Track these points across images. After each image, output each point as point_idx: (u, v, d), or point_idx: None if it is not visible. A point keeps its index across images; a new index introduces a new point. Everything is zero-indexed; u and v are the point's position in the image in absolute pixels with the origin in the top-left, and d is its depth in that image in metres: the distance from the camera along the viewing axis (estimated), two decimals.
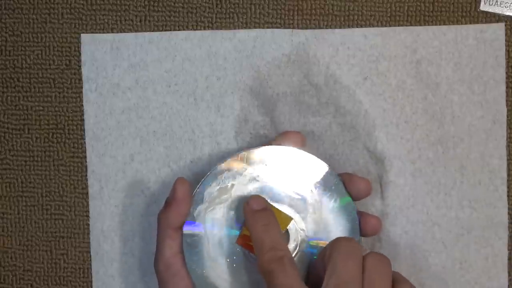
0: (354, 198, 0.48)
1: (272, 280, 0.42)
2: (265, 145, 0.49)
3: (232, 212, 0.48)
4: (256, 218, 0.45)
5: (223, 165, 0.48)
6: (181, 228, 0.47)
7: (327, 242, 0.45)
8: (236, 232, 0.48)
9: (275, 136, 0.50)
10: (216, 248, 0.47)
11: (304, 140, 0.50)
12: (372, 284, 0.41)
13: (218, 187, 0.48)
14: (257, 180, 0.48)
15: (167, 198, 0.47)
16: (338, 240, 0.44)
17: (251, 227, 0.45)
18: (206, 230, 0.48)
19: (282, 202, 0.48)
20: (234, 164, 0.48)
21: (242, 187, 0.48)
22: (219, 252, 0.47)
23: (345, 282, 0.41)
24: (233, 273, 0.47)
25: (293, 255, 0.47)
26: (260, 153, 0.48)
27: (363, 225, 0.48)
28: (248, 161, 0.48)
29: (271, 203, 0.48)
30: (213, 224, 0.48)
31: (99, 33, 0.54)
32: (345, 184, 0.48)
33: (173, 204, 0.47)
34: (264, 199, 0.47)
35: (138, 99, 0.53)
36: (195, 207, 0.48)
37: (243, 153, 0.48)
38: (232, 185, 0.48)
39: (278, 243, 0.44)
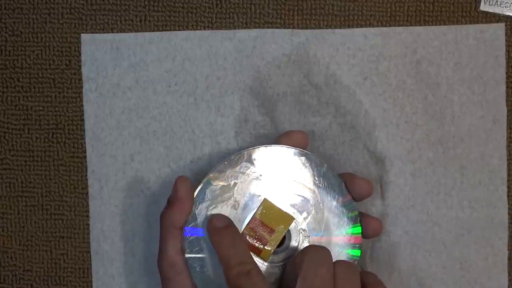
0: (356, 199, 0.48)
1: None
2: (268, 145, 0.49)
3: (234, 211, 0.48)
4: (221, 235, 0.46)
5: (226, 163, 0.48)
6: (183, 226, 0.47)
7: (328, 243, 0.45)
8: None
9: (278, 136, 0.50)
10: None
11: (308, 140, 0.50)
12: None
13: (220, 185, 0.48)
14: (260, 180, 0.48)
15: (169, 197, 0.47)
16: (309, 248, 0.44)
17: (216, 245, 0.45)
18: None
19: (284, 202, 0.48)
20: (238, 163, 0.48)
21: (245, 186, 0.48)
22: None
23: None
24: None
25: (294, 256, 0.47)
26: (263, 153, 0.48)
27: (364, 227, 0.48)
28: (251, 160, 0.48)
29: (273, 203, 0.48)
30: None
31: (99, 33, 0.54)
32: (347, 184, 0.48)
33: (176, 203, 0.47)
34: (227, 217, 0.47)
35: (138, 99, 0.53)
36: (197, 205, 0.48)
37: (247, 151, 0.48)
38: (235, 184, 0.48)
39: (245, 258, 0.45)
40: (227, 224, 0.46)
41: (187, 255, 0.47)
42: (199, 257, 0.47)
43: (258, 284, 0.43)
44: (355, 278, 0.43)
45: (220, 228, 0.46)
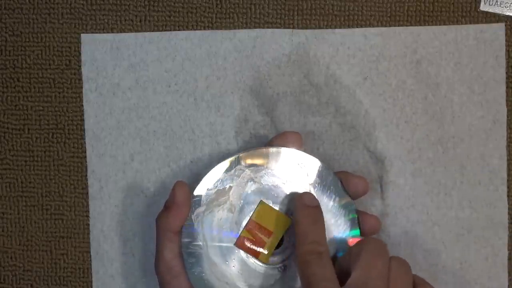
0: (352, 197, 0.48)
1: (307, 268, 0.43)
2: (262, 147, 0.49)
3: (230, 214, 0.48)
4: (307, 213, 0.46)
5: (221, 167, 0.48)
6: (180, 231, 0.47)
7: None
8: (235, 234, 0.48)
9: (272, 137, 0.50)
10: (215, 251, 0.47)
11: (301, 140, 0.50)
12: (396, 283, 0.43)
13: (216, 189, 0.48)
14: (255, 182, 0.48)
15: (167, 201, 0.47)
16: (368, 239, 0.45)
17: (299, 220, 0.46)
18: (204, 233, 0.47)
19: (281, 204, 0.48)
20: (232, 166, 0.48)
21: (240, 189, 0.48)
22: (218, 254, 0.47)
23: (373, 278, 0.42)
24: (232, 275, 0.47)
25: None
26: (257, 155, 0.48)
27: (362, 224, 0.49)
28: (245, 163, 0.48)
29: (269, 204, 0.48)
30: (212, 227, 0.48)
31: (99, 33, 0.54)
32: (343, 183, 0.48)
33: (173, 207, 0.47)
34: (317, 199, 0.48)
35: (138, 99, 0.53)
36: (193, 210, 0.48)
37: (241, 155, 0.48)
38: (230, 187, 0.48)
39: (321, 240, 0.46)
40: (315, 205, 0.47)
41: (184, 260, 0.47)
42: (196, 261, 0.47)
43: (326, 267, 0.44)
44: (409, 275, 0.44)
45: (308, 206, 0.47)
